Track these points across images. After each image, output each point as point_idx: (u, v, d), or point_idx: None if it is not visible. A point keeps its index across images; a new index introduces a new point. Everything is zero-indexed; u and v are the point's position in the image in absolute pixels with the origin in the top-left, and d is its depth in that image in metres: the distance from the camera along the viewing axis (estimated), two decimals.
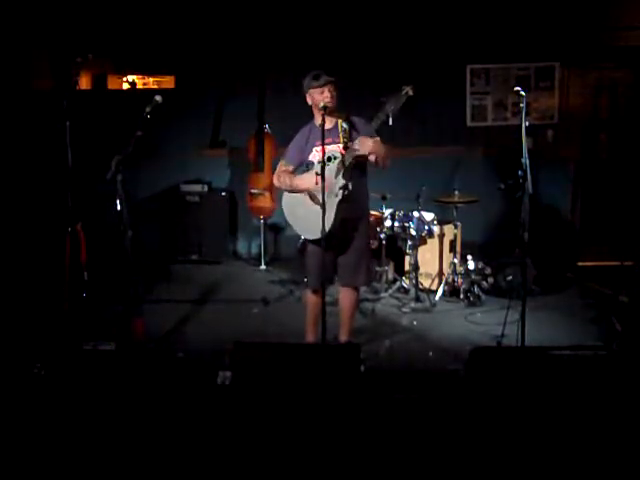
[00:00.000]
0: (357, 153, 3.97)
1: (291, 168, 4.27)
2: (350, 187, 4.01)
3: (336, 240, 4.09)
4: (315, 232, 4.09)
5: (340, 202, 4.00)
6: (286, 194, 4.34)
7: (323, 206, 3.75)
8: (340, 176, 4.02)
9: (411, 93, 3.89)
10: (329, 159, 4.05)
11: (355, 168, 4.09)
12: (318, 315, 4.31)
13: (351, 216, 4.12)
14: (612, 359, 3.15)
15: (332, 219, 3.99)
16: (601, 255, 6.59)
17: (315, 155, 4.16)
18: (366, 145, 3.92)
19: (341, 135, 4.09)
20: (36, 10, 6.32)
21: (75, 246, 4.50)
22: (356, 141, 3.97)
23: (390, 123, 3.88)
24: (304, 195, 4.19)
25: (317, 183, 3.88)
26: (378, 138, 4.02)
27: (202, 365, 4.09)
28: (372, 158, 4.06)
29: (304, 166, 4.28)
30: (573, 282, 6.22)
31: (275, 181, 4.35)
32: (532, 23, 6.68)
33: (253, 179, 6.72)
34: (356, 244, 4.25)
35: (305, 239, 4.33)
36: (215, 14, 6.88)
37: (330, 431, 2.93)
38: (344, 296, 4.40)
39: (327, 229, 3.99)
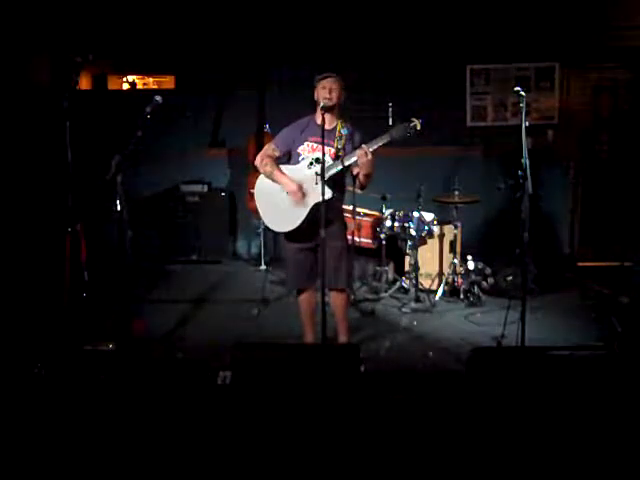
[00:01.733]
0: (353, 161, 3.97)
1: (278, 154, 4.24)
2: (331, 194, 3.98)
3: (315, 242, 4.09)
4: (281, 225, 4.14)
5: (316, 204, 3.98)
6: (262, 178, 4.29)
7: (323, 208, 3.74)
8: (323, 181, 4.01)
9: (418, 127, 3.92)
10: (317, 160, 4.04)
11: (338, 175, 4.10)
12: (312, 315, 4.32)
13: (327, 218, 4.09)
14: (612, 359, 3.15)
15: (300, 221, 4.04)
16: (601, 255, 6.60)
17: (305, 149, 4.15)
18: (366, 158, 3.91)
19: (336, 140, 4.08)
20: (36, 10, 6.32)
21: (75, 246, 4.50)
22: (356, 152, 3.95)
23: (392, 142, 3.92)
24: (280, 187, 4.17)
25: (317, 183, 3.88)
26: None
27: (202, 365, 4.10)
28: (357, 170, 4.07)
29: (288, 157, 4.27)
30: (573, 282, 6.23)
31: (258, 161, 4.27)
32: (532, 23, 6.68)
33: (253, 179, 6.69)
34: (333, 246, 4.17)
35: (266, 227, 4.32)
36: (215, 14, 6.88)
37: (330, 431, 2.93)
38: (333, 299, 4.38)
39: (291, 227, 4.05)
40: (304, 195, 4.06)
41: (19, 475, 2.97)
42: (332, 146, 4.08)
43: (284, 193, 4.14)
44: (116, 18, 6.79)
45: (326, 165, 3.99)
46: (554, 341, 4.62)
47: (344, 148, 4.08)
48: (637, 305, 4.80)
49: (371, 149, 3.90)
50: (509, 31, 6.73)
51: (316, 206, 3.98)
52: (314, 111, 4.21)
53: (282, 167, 4.21)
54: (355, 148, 4.05)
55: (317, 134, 4.02)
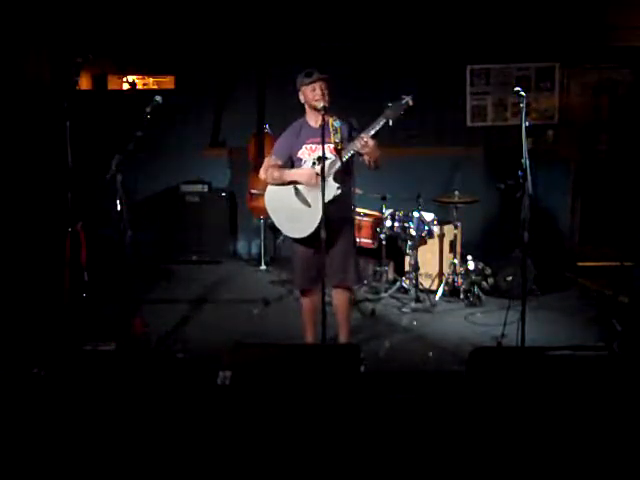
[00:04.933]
0: (356, 150, 3.95)
1: (280, 163, 4.23)
2: (341, 188, 3.99)
3: (316, 238, 4.08)
4: (300, 230, 4.08)
5: (329, 202, 3.98)
6: (270, 188, 4.26)
7: (323, 207, 3.74)
8: (331, 177, 4.00)
9: (411, 103, 3.89)
10: (319, 159, 4.03)
11: (342, 169, 4.07)
12: (314, 315, 4.31)
13: (337, 216, 4.08)
14: (612, 359, 3.15)
15: (318, 220, 3.98)
16: (601, 255, 6.60)
17: (304, 153, 4.14)
18: (368, 146, 3.90)
19: (332, 135, 4.07)
20: (36, 10, 6.32)
21: (75, 246, 4.50)
22: (355, 143, 3.94)
23: (390, 124, 3.89)
24: (290, 193, 4.14)
25: (317, 183, 3.88)
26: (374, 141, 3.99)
27: (202, 365, 4.10)
28: (366, 159, 4.05)
29: (290, 164, 4.26)
30: (573, 282, 6.23)
31: (262, 174, 4.27)
32: (532, 23, 6.68)
33: (253, 179, 6.72)
34: (343, 243, 4.21)
35: (287, 237, 4.28)
36: (215, 14, 6.88)
37: (330, 432, 2.93)
38: (337, 297, 4.38)
39: (312, 229, 3.99)
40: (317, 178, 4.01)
41: (19, 475, 2.97)
42: (330, 142, 4.06)
43: (296, 198, 4.11)
44: (116, 18, 6.79)
45: (329, 162, 3.99)
46: (554, 341, 4.62)
47: (342, 140, 4.06)
48: (637, 305, 4.79)
49: (370, 135, 3.89)
50: (509, 31, 6.72)
51: (329, 203, 3.96)
52: (303, 114, 4.22)
53: None
54: (352, 137, 4.04)
55: (312, 135, 4.03)
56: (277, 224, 4.28)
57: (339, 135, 4.05)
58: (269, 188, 4.28)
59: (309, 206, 4.08)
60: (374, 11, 6.75)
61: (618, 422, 2.87)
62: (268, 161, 4.28)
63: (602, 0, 6.70)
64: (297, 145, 4.17)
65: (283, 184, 4.18)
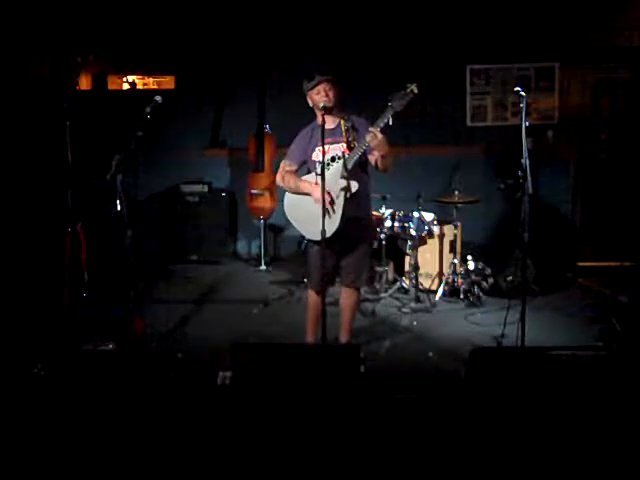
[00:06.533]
0: (367, 145, 3.92)
1: (295, 168, 4.26)
2: (357, 187, 3.99)
3: (341, 241, 4.09)
4: (318, 234, 4.08)
5: (346, 203, 3.98)
6: (288, 194, 4.29)
7: (323, 208, 3.74)
8: (345, 176, 4.01)
9: (415, 91, 3.87)
10: (332, 159, 4.04)
11: (358, 168, 4.08)
12: (319, 315, 4.31)
13: (356, 216, 4.10)
14: (612, 359, 3.15)
15: (339, 220, 3.97)
16: (601, 255, 6.60)
17: (318, 155, 4.12)
18: (377, 139, 3.87)
19: (344, 134, 4.07)
20: (36, 10, 6.32)
21: (75, 246, 4.50)
22: (367, 135, 3.91)
23: (390, 123, 3.88)
24: (308, 198, 4.15)
25: (317, 183, 3.87)
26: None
27: (202, 365, 4.10)
28: (372, 158, 4.05)
29: (306, 169, 4.27)
30: (573, 282, 6.23)
31: (279, 181, 4.31)
32: (532, 23, 6.68)
33: (253, 179, 6.73)
34: (360, 245, 4.24)
35: (309, 240, 4.29)
36: (215, 14, 6.88)
37: (330, 431, 2.93)
38: (346, 296, 4.39)
39: (334, 230, 3.98)
40: (331, 199, 4.03)
41: (19, 475, 2.97)
42: (343, 142, 4.06)
43: (313, 203, 4.09)
44: (116, 18, 6.79)
45: (342, 161, 3.99)
46: (554, 341, 4.62)
47: (355, 139, 4.06)
48: (637, 305, 4.79)
49: (379, 128, 3.87)
50: (509, 31, 6.73)
51: (347, 204, 3.98)
52: (314, 117, 4.21)
53: (304, 178, 4.23)
54: (353, 137, 4.03)
55: (325, 136, 4.02)
56: (297, 228, 4.28)
57: (351, 134, 4.06)
58: (287, 195, 4.31)
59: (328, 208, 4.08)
60: (374, 11, 6.76)
61: (618, 422, 2.87)
62: (284, 165, 4.29)
63: (602, 0, 6.70)
64: (310, 148, 4.18)
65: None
